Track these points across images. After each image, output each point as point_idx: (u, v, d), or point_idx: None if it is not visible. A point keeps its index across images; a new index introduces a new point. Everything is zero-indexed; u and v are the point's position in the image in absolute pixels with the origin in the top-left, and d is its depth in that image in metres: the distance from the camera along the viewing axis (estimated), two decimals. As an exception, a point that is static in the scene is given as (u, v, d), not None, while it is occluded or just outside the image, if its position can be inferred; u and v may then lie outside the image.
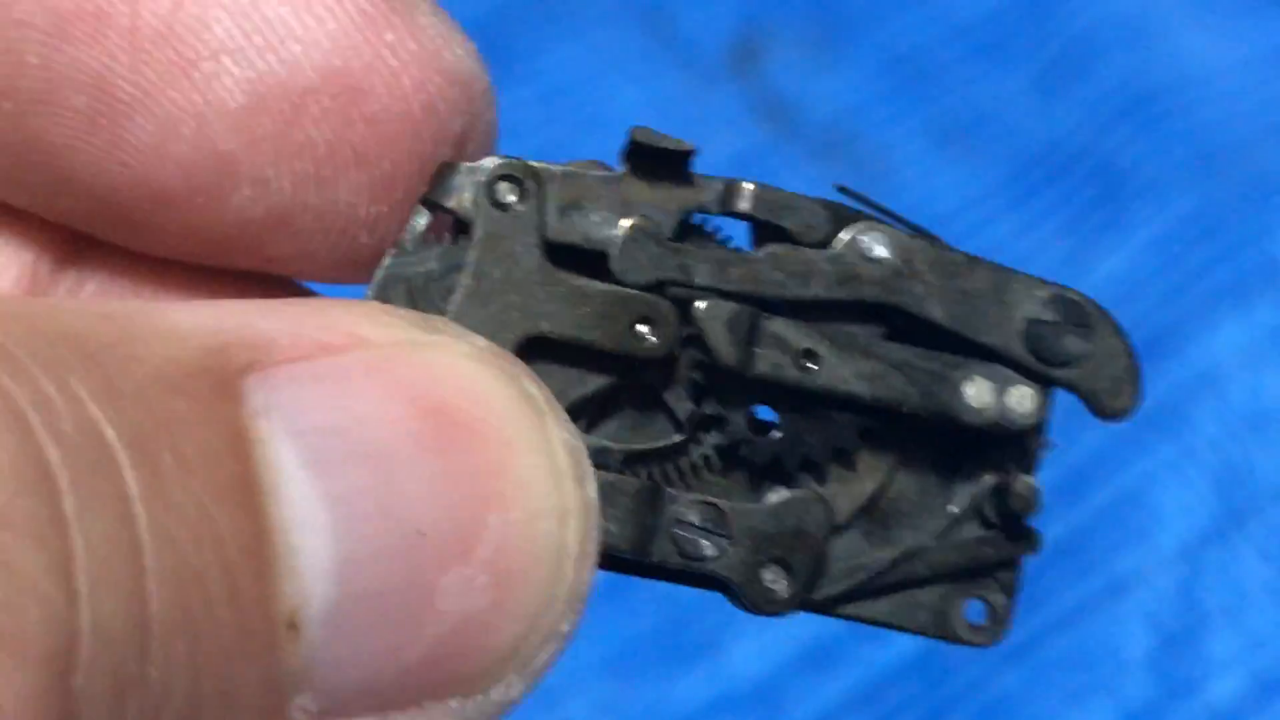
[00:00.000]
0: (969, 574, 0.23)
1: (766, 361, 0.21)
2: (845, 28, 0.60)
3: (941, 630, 0.23)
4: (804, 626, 0.48)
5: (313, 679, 0.17)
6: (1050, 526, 0.53)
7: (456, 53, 0.22)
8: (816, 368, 0.22)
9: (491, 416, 0.18)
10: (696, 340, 0.21)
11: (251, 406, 0.17)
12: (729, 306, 0.21)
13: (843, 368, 0.22)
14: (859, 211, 0.22)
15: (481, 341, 0.19)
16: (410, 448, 0.18)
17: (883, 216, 0.22)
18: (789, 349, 0.21)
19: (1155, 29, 0.58)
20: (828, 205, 0.22)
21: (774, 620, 0.23)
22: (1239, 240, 0.53)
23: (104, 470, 0.16)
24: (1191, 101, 0.56)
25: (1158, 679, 0.47)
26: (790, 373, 0.22)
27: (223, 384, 0.17)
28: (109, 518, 0.16)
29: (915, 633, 0.23)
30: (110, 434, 0.16)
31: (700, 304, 0.21)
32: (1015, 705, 0.47)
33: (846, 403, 0.22)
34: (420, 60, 0.21)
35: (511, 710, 0.19)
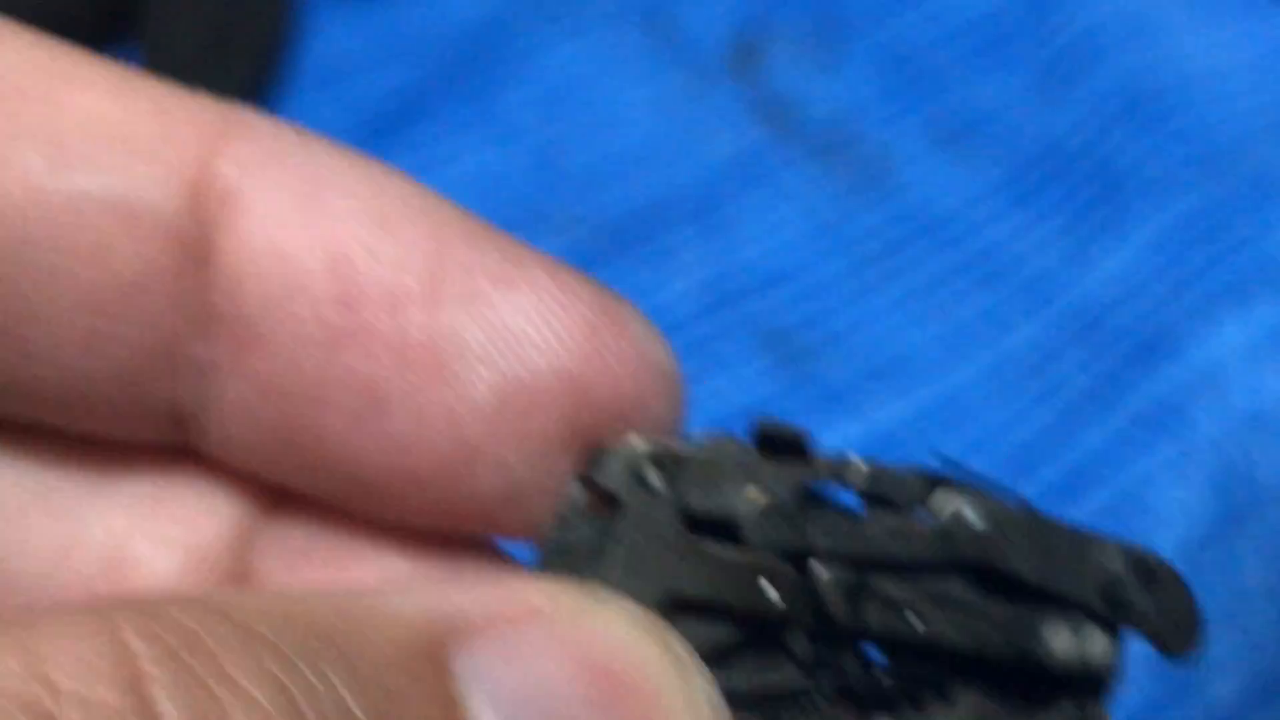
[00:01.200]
0: None
1: (875, 618, 0.25)
2: (845, 28, 0.60)
3: None
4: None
5: None
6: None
7: (659, 354, 0.25)
8: (920, 622, 0.25)
9: (645, 674, 0.22)
10: (815, 598, 0.25)
11: (459, 677, 0.21)
12: (843, 573, 0.25)
13: (941, 620, 0.25)
14: (953, 480, 0.25)
15: (634, 607, 0.23)
16: (584, 706, 0.22)
17: (974, 484, 0.25)
18: (895, 607, 0.25)
19: (1155, 29, 0.58)
20: (926, 475, 0.25)
21: None
22: (1239, 240, 0.53)
23: None
24: (1191, 101, 0.56)
25: (1158, 680, 0.47)
26: (896, 626, 0.25)
27: (436, 661, 0.21)
28: None
29: None
30: (359, 714, 0.20)
31: (819, 572, 0.25)
32: (1015, 705, 0.47)
33: (944, 649, 0.25)
34: (634, 359, 0.25)
35: None
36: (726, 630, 0.25)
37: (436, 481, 0.25)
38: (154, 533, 0.27)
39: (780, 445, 0.25)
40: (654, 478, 0.25)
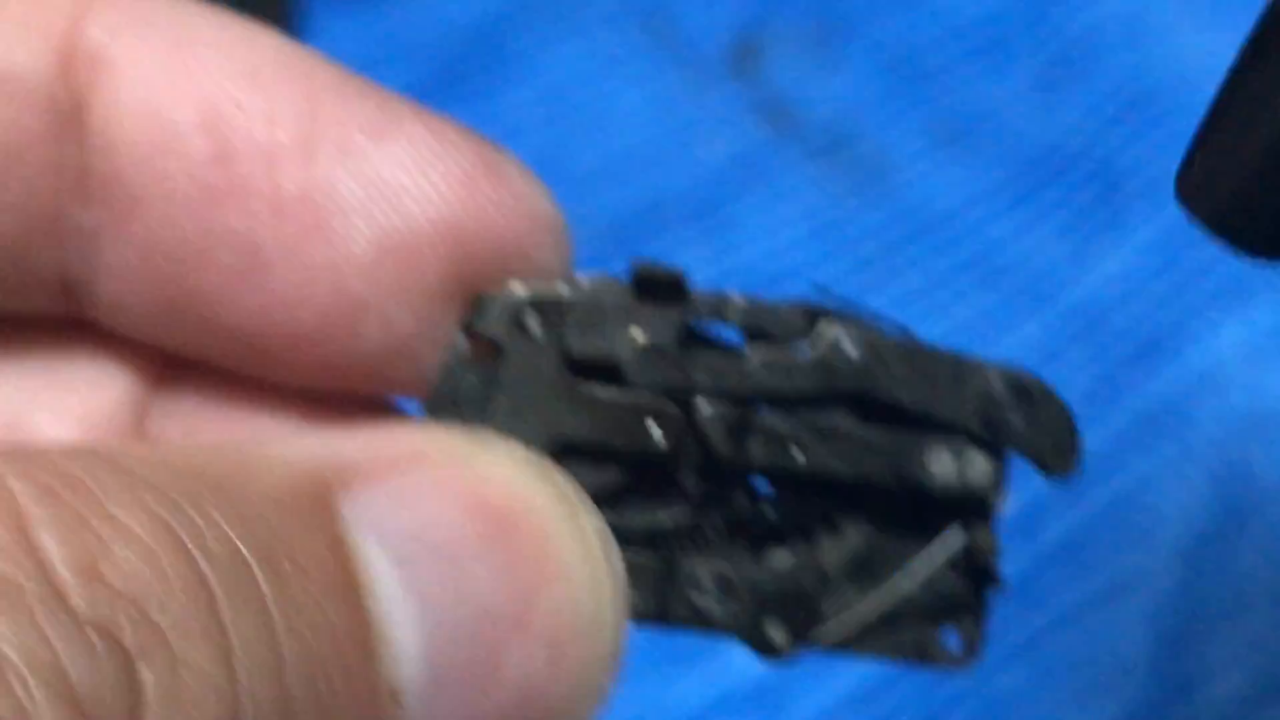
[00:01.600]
0: (944, 611, 0.27)
1: (759, 452, 0.25)
2: (845, 28, 0.60)
3: (924, 658, 0.26)
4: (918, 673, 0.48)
5: None
6: (1050, 526, 0.53)
7: (542, 202, 0.25)
8: (802, 454, 0.25)
9: (533, 513, 0.23)
10: (699, 435, 0.25)
11: (345, 520, 0.21)
12: (725, 409, 0.25)
13: (824, 451, 0.25)
14: (831, 311, 0.25)
15: (520, 450, 0.24)
16: (473, 544, 0.22)
17: (851, 313, 0.26)
18: (779, 441, 0.25)
19: (1155, 29, 0.58)
20: (804, 308, 0.25)
21: (889, 664, 0.27)
22: (1239, 240, 0.53)
23: (244, 580, 0.20)
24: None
25: (1158, 679, 0.47)
26: (779, 459, 0.25)
27: (321, 503, 0.21)
28: (253, 619, 0.20)
29: (900, 662, 0.26)
30: (245, 550, 0.20)
31: (702, 408, 0.25)
32: (1015, 705, 0.47)
33: (830, 480, 0.26)
34: (515, 209, 0.25)
35: None
36: (614, 472, 0.25)
37: (322, 338, 0.25)
38: (50, 403, 0.27)
39: (659, 286, 0.25)
40: (534, 323, 0.25)
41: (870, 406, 0.26)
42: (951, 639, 0.27)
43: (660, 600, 0.25)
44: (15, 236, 0.25)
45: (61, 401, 0.27)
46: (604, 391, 0.25)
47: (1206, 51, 0.57)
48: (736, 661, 0.48)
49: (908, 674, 0.48)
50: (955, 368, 0.26)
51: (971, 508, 0.26)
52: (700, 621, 0.26)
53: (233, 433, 0.27)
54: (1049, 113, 0.58)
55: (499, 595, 0.22)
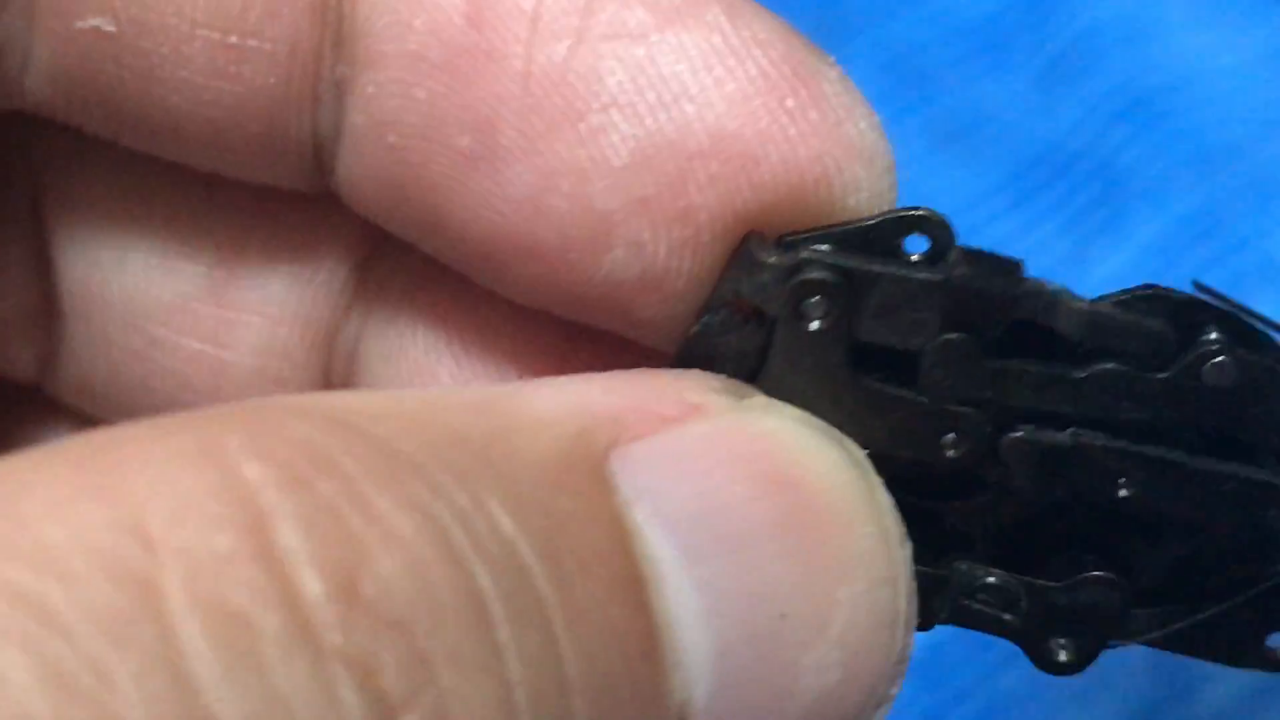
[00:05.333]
0: (1265, 623, 0.22)
1: (1075, 485, 0.21)
2: (845, 28, 0.60)
3: (1241, 660, 0.22)
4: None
5: None
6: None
7: (860, 126, 0.21)
8: (1129, 491, 0.21)
9: (831, 486, 0.18)
10: (999, 458, 0.20)
11: (623, 494, 0.17)
12: (1040, 443, 0.20)
13: (1156, 492, 0.20)
14: (1208, 314, 0.20)
15: (799, 411, 0.19)
16: (766, 527, 0.18)
17: (1246, 318, 0.20)
18: (1103, 478, 0.20)
19: (1155, 29, 0.58)
20: (1174, 323, 0.20)
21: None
22: (1239, 240, 0.53)
23: (523, 587, 0.16)
24: (1191, 101, 0.56)
25: (1158, 679, 0.47)
26: (1099, 494, 0.21)
27: (595, 472, 0.17)
28: (536, 637, 0.16)
29: (1214, 660, 0.22)
30: (525, 549, 0.16)
31: (1012, 438, 0.20)
32: (1015, 705, 0.47)
33: (1157, 518, 0.21)
34: (820, 131, 0.20)
35: None
36: (889, 472, 0.20)
37: (558, 254, 0.21)
38: (264, 296, 0.24)
39: (986, 273, 0.20)
40: (815, 309, 0.20)
41: (1221, 437, 0.21)
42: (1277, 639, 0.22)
43: (929, 610, 0.21)
44: (276, 89, 0.22)
45: (280, 292, 0.24)
46: (894, 390, 0.20)
47: (1206, 51, 0.57)
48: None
49: (907, 674, 0.48)
50: None
51: None
52: (980, 625, 0.22)
53: (437, 366, 0.23)
54: (1049, 113, 0.58)
55: (796, 591, 0.18)
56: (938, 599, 0.21)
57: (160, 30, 0.21)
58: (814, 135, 0.20)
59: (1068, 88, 0.58)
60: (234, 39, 0.21)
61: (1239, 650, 0.22)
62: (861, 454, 0.19)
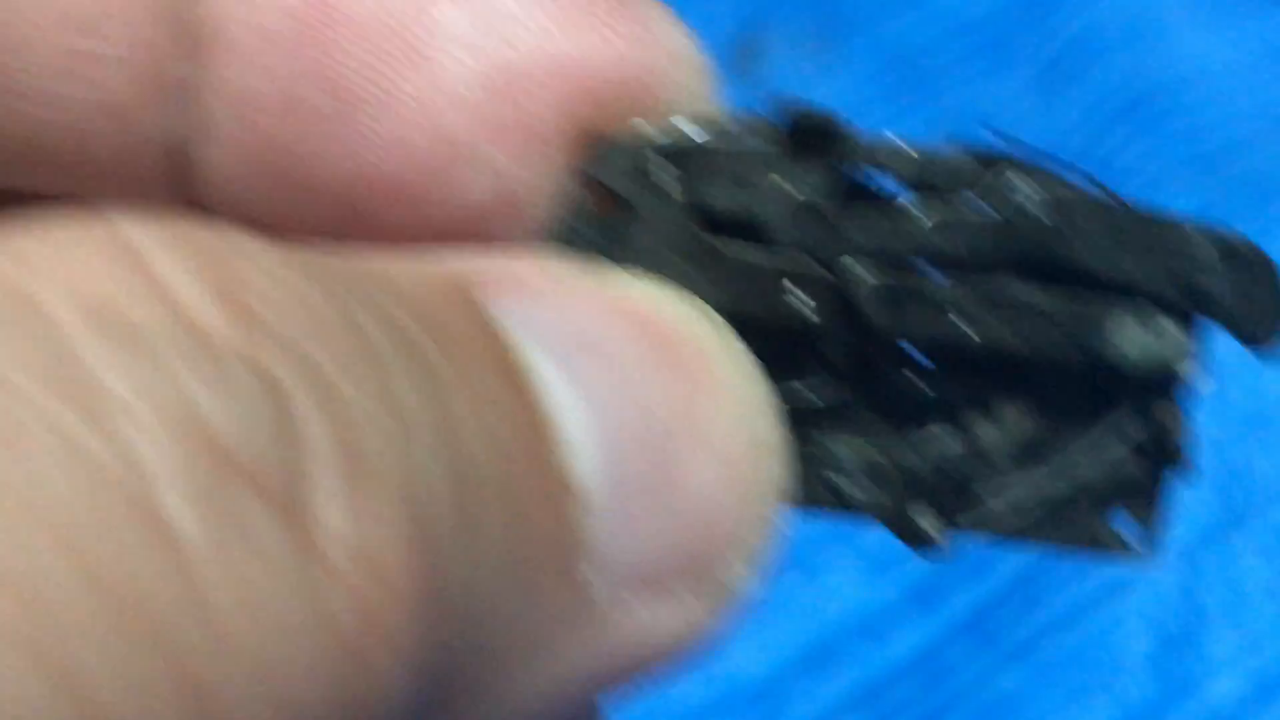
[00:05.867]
0: (1121, 496, 0.23)
1: (919, 322, 0.22)
2: (845, 28, 0.60)
3: (1098, 546, 0.23)
4: (804, 626, 0.48)
5: (597, 553, 0.19)
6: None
7: (672, 34, 0.23)
8: (970, 325, 0.22)
9: (691, 330, 0.21)
10: (853, 303, 0.22)
11: (503, 324, 0.19)
12: (883, 273, 0.22)
13: (995, 322, 0.22)
14: (1011, 159, 0.22)
15: (659, 283, 0.22)
16: (637, 352, 0.20)
17: (1035, 163, 0.22)
18: (942, 309, 0.22)
19: (1155, 29, 0.58)
20: (978, 155, 0.22)
21: (774, 620, 0.23)
22: (1239, 240, 0.53)
23: (415, 352, 0.17)
24: (1191, 101, 0.56)
25: (1158, 679, 0.47)
26: (943, 331, 0.22)
27: (472, 304, 0.19)
28: (428, 388, 0.17)
29: (1071, 552, 0.24)
30: (413, 327, 0.17)
31: (856, 273, 0.22)
32: (1015, 705, 0.47)
33: (1000, 354, 0.22)
34: (639, 41, 0.23)
35: (742, 602, 0.21)
36: (755, 342, 0.22)
37: (424, 189, 0.22)
38: None
39: (815, 134, 0.22)
40: (664, 174, 0.22)
41: (1049, 270, 0.22)
42: (1129, 527, 0.24)
43: (800, 481, 0.22)
44: (123, 95, 0.23)
45: None
46: (745, 252, 0.22)
47: (1206, 51, 0.57)
48: (737, 661, 0.48)
49: (907, 674, 0.48)
50: (1153, 227, 0.22)
51: (1158, 382, 0.23)
52: (842, 504, 0.23)
53: None
54: (1049, 113, 0.58)
55: (670, 404, 0.20)
56: (807, 473, 0.23)
57: (13, 43, 0.22)
58: (635, 45, 0.23)
59: (1068, 88, 0.58)
60: (79, 41, 0.22)
61: (1086, 534, 0.23)
62: (719, 319, 0.21)
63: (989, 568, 0.48)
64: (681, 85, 0.23)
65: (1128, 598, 0.48)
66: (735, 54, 0.60)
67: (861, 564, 0.48)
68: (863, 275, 0.22)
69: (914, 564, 0.49)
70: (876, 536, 0.47)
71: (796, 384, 0.23)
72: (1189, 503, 0.49)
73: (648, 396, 0.20)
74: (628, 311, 0.20)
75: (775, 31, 0.61)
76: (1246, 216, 0.53)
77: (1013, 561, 0.48)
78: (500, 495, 0.17)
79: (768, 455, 0.21)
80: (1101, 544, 0.23)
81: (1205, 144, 0.55)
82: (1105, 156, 0.56)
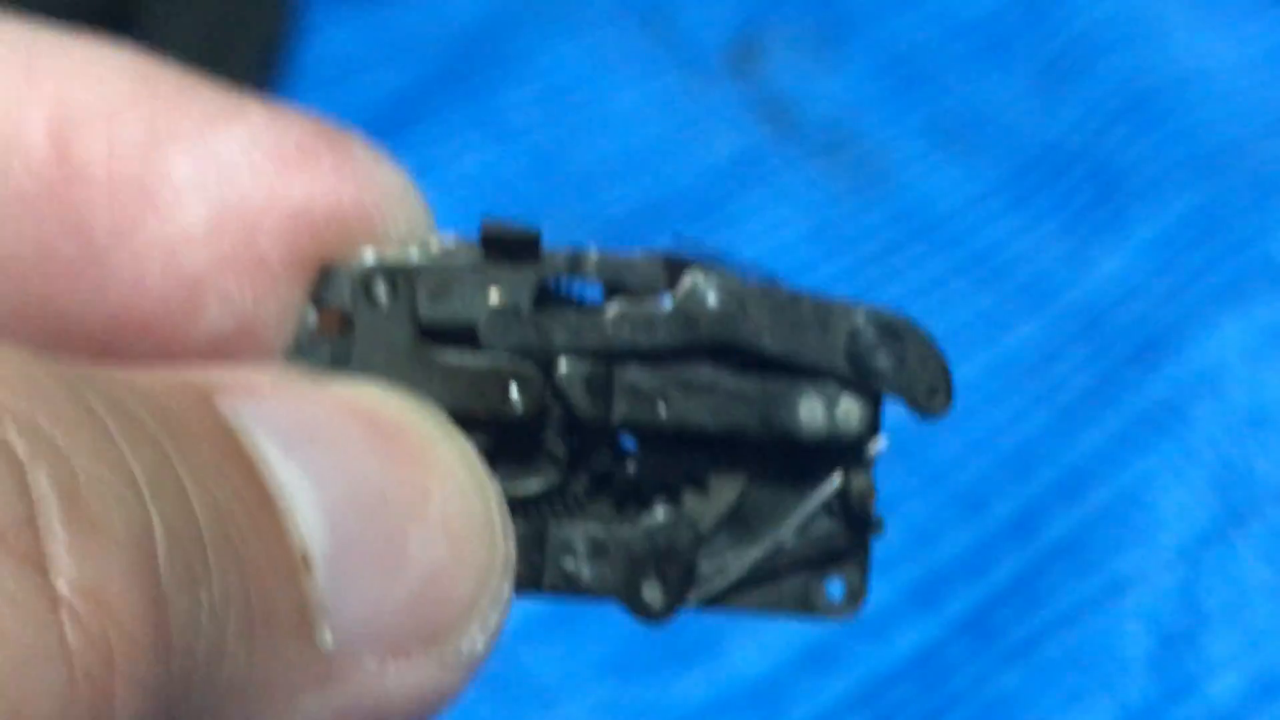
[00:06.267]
0: (826, 560, 0.26)
1: (622, 408, 0.25)
2: (845, 27, 0.60)
3: (807, 609, 0.26)
4: (803, 626, 0.48)
5: (329, 613, 0.21)
6: (1050, 526, 0.53)
7: (387, 173, 0.26)
8: (666, 409, 0.25)
9: (409, 418, 0.23)
10: (560, 395, 0.25)
11: (227, 414, 0.22)
12: (584, 368, 0.25)
13: (689, 405, 0.25)
14: (692, 261, 0.25)
15: (387, 387, 0.24)
16: (358, 440, 0.23)
17: (714, 262, 0.25)
18: (641, 397, 0.25)
19: (1155, 29, 0.58)
20: (663, 260, 0.25)
21: (773, 619, 0.26)
22: (1239, 240, 0.53)
23: (140, 427, 0.19)
24: (1191, 101, 0.56)
25: (1157, 679, 0.47)
26: (643, 415, 0.25)
27: (205, 401, 0.21)
28: (154, 456, 0.19)
29: (783, 615, 0.26)
30: (139, 410, 0.20)
31: (560, 367, 0.25)
32: (1015, 705, 0.47)
33: (697, 434, 0.25)
34: (355, 180, 0.25)
35: (481, 666, 0.23)
36: (478, 438, 0.25)
37: (165, 321, 0.25)
38: None
39: (513, 246, 0.25)
40: (382, 291, 0.25)
41: (739, 357, 0.25)
42: (835, 589, 0.26)
43: (531, 569, 0.25)
44: None
45: None
46: (459, 357, 0.25)
47: (1206, 51, 0.57)
48: (736, 662, 0.48)
49: (907, 674, 0.48)
50: (821, 311, 0.25)
51: (847, 453, 0.26)
52: (573, 587, 0.25)
53: None
54: (1049, 113, 0.58)
55: (391, 485, 0.22)
56: (539, 559, 0.25)
57: None
58: (350, 183, 0.25)
59: (1068, 87, 0.58)
60: None
61: (801, 600, 0.26)
62: (441, 415, 0.24)
63: (989, 568, 0.48)
64: (397, 215, 0.26)
65: (1128, 598, 0.48)
66: (735, 54, 0.60)
67: (861, 564, 0.48)
68: (567, 369, 0.25)
69: (915, 564, 0.49)
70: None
71: (522, 474, 0.25)
72: (1189, 503, 0.49)
73: (366, 473, 0.22)
74: (350, 406, 0.23)
75: (775, 31, 0.61)
76: (1246, 216, 0.53)
77: (1013, 561, 0.48)
78: (225, 553, 0.20)
79: (490, 532, 0.23)
80: (810, 606, 0.26)
81: (1205, 144, 0.55)
82: (1105, 156, 0.56)
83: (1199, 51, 0.57)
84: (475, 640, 0.23)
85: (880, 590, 0.49)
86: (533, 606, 0.48)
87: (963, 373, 0.56)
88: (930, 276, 0.55)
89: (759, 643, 0.48)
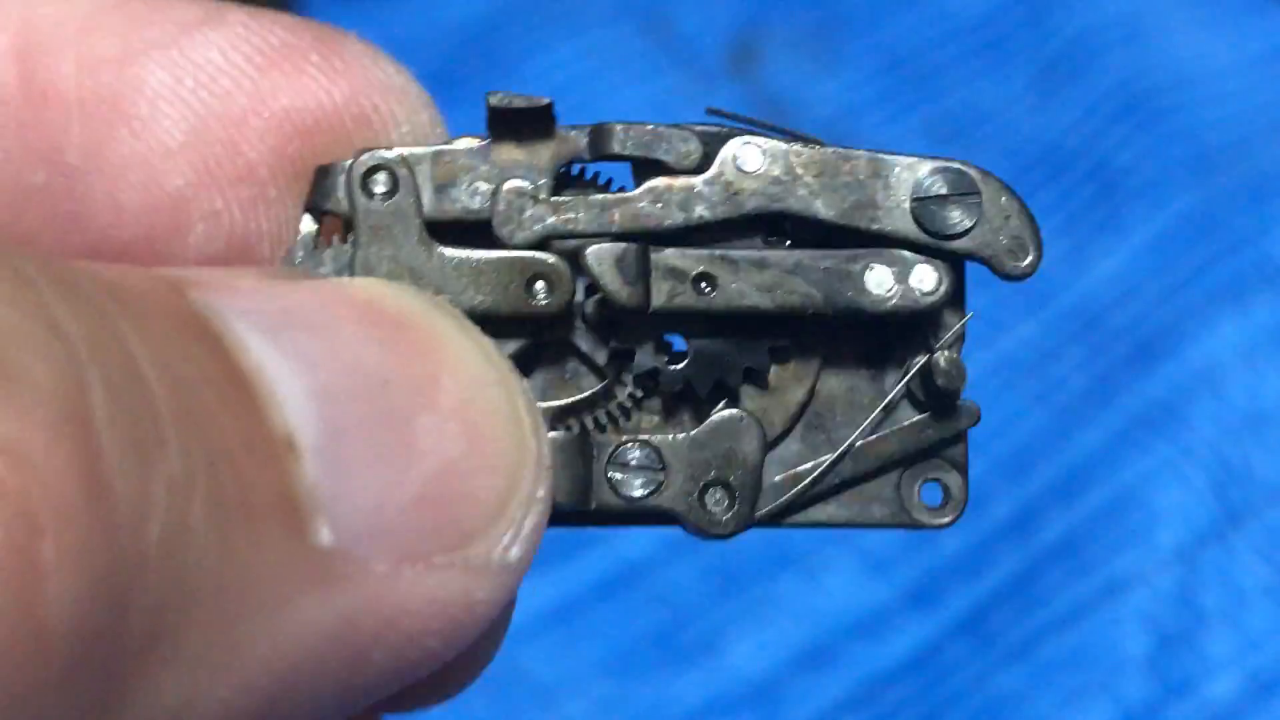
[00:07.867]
0: (916, 458, 0.23)
1: (662, 293, 0.22)
2: (844, 28, 0.61)
3: (900, 519, 0.23)
4: (803, 627, 0.48)
5: (324, 506, 0.19)
6: (1049, 526, 0.53)
7: (385, 69, 0.23)
8: (713, 290, 0.22)
9: (414, 307, 0.21)
10: (594, 287, 0.22)
11: (203, 300, 0.19)
12: (616, 248, 0.22)
13: (740, 284, 0.22)
14: (731, 129, 0.22)
15: (399, 283, 0.22)
16: (354, 326, 0.20)
17: (754, 128, 0.22)
18: (683, 277, 0.22)
19: (1153, 29, 0.58)
20: (697, 130, 0.22)
21: (772, 619, 0.23)
22: (1238, 240, 0.53)
23: (80, 295, 0.17)
24: (1190, 101, 0.56)
25: (1156, 679, 0.47)
26: (688, 299, 0.22)
27: (176, 286, 0.19)
28: (92, 320, 0.17)
29: (874, 526, 0.23)
30: (84, 284, 0.17)
31: (588, 251, 0.22)
32: (1014, 705, 0.47)
33: (752, 318, 0.22)
34: (348, 76, 0.23)
35: (517, 578, 0.20)
36: (507, 346, 0.22)
37: (152, 248, 0.23)
38: None
39: (524, 122, 0.22)
40: (380, 186, 0.22)
41: (792, 228, 0.22)
42: (931, 492, 0.23)
43: (578, 486, 0.22)
44: None
45: None
46: (475, 254, 0.22)
47: (1206, 51, 0.57)
48: (736, 662, 0.48)
49: (906, 674, 0.48)
50: (879, 166, 0.22)
51: (927, 330, 0.23)
52: (628, 505, 0.23)
53: None
54: (1047, 113, 0.58)
55: (395, 369, 0.20)
56: (584, 475, 0.22)
57: None
58: (343, 80, 0.23)
59: (1066, 88, 0.58)
60: None
61: (893, 507, 0.23)
62: (454, 309, 0.21)
63: (989, 568, 0.48)
64: (397, 115, 0.23)
65: (1127, 598, 0.48)
66: (734, 54, 0.60)
67: (860, 564, 0.48)
68: (595, 252, 0.22)
69: (913, 564, 0.49)
70: (876, 537, 0.47)
71: (560, 382, 0.23)
72: (1187, 503, 0.49)
73: (363, 359, 0.20)
74: (346, 297, 0.21)
75: (775, 31, 0.61)
76: (1246, 216, 0.53)
77: (1013, 561, 0.48)
78: (187, 428, 0.17)
79: (517, 428, 0.21)
80: (905, 516, 0.23)
81: (1205, 144, 0.55)
82: (1104, 156, 0.56)
83: (1198, 52, 0.57)
84: (506, 547, 0.20)
85: (878, 591, 0.49)
86: (533, 607, 0.48)
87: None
88: (929, 277, 0.55)
89: (758, 643, 0.48)
